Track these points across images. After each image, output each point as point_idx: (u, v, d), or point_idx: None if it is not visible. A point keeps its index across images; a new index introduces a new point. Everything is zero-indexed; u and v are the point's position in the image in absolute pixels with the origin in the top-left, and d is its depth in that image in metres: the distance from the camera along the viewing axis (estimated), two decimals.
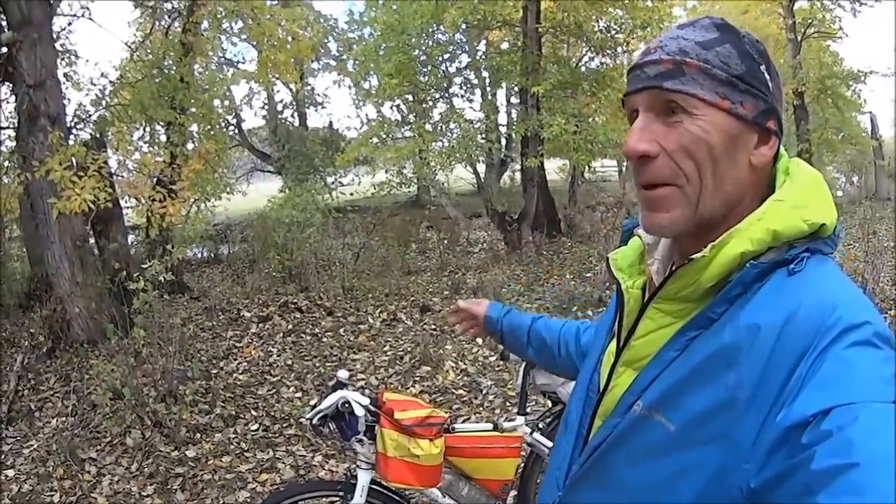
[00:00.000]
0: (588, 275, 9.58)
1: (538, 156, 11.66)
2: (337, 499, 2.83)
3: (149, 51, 10.15)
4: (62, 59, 8.42)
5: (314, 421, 2.69)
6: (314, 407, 2.76)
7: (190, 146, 9.21)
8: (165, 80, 8.72)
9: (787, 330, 0.79)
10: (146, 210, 7.66)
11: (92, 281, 7.48)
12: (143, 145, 9.45)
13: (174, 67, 8.89)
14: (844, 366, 0.74)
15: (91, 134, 8.25)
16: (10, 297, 9.50)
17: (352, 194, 14.25)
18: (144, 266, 6.02)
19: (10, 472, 5.46)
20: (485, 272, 10.79)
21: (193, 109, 9.04)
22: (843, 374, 0.73)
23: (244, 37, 11.96)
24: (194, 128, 9.43)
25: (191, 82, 8.85)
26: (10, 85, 7.22)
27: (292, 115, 20.06)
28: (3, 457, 5.62)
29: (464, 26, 12.68)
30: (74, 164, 6.56)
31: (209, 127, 9.71)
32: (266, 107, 19.39)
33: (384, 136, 13.83)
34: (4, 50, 6.88)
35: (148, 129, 9.43)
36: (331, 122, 22.72)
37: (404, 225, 12.66)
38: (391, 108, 14.31)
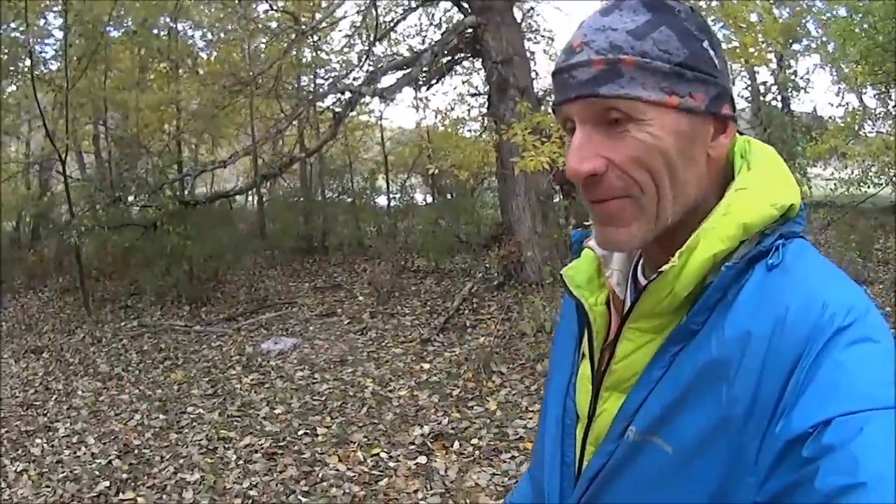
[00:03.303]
0: None
1: None
2: None
3: None
4: (532, 37, 9.89)
5: None
6: None
7: None
8: None
9: (777, 337, 0.78)
10: None
11: (550, 232, 8.59)
12: None
13: None
14: (842, 370, 0.73)
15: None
16: (477, 236, 11.82)
17: (831, 189, 13.21)
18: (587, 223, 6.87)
19: (426, 366, 6.78)
20: None
21: None
22: (841, 379, 0.73)
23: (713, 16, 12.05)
24: None
25: None
26: (480, 59, 8.84)
27: (775, 99, 19.38)
28: (427, 356, 7.35)
29: None
30: (543, 130, 7.61)
31: None
32: (749, 88, 19.19)
33: (856, 127, 12.44)
34: (470, 30, 8.49)
35: None
36: (815, 108, 21.14)
37: (869, 230, 11.29)
38: (873, 96, 13.11)
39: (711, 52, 0.88)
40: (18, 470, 5.31)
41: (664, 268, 0.86)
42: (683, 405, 0.84)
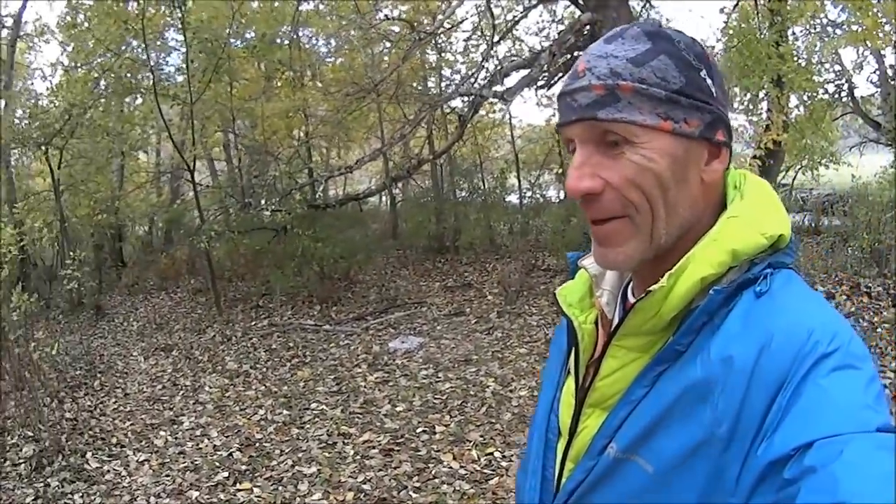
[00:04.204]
0: None
1: None
2: None
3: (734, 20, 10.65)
4: None
5: None
6: None
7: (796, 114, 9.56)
8: (756, 48, 9.04)
9: (762, 362, 0.81)
10: None
11: None
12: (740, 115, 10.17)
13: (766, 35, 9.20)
14: (824, 395, 0.76)
15: None
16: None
17: None
18: None
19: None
20: None
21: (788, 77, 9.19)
22: (823, 403, 0.76)
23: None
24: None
25: (785, 50, 8.97)
26: None
27: None
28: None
29: None
30: None
31: (809, 95, 9.76)
32: (877, 72, 17.84)
33: None
34: (588, 28, 8.42)
35: (747, 96, 9.98)
36: None
37: None
38: None
39: (709, 81, 0.94)
40: (140, 460, 5.63)
41: (652, 287, 0.90)
42: (665, 425, 0.86)
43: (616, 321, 1.03)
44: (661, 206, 0.91)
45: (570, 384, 1.09)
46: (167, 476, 5.27)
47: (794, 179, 14.85)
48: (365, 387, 6.98)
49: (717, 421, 0.81)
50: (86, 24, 11.55)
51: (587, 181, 0.91)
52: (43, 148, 11.72)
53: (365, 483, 4.81)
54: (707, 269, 0.88)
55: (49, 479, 5.26)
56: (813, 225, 14.41)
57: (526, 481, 1.13)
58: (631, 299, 1.04)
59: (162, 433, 6.19)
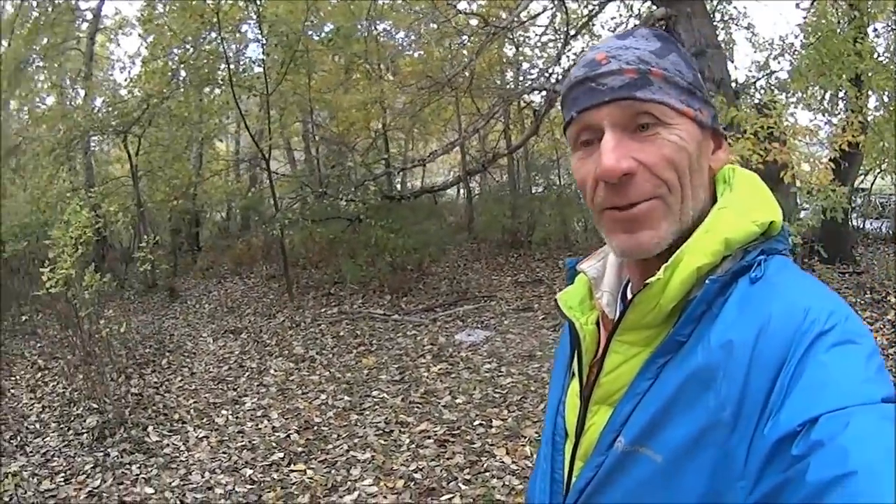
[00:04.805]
0: None
1: None
2: None
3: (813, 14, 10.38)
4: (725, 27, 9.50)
5: None
6: None
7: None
8: (834, 45, 8.78)
9: (761, 344, 0.82)
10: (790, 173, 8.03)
11: None
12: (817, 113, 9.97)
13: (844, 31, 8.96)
14: (826, 370, 0.77)
15: (761, 99, 9.06)
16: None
17: None
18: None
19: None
20: None
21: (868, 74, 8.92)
22: (825, 379, 0.76)
23: None
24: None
25: (863, 47, 8.67)
26: None
27: None
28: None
29: None
30: (738, 125, 7.31)
31: (889, 95, 9.47)
32: None
33: None
34: (661, 23, 8.26)
35: (827, 95, 9.74)
36: None
37: None
38: None
39: (703, 83, 1.01)
40: (200, 436, 5.78)
41: (650, 280, 0.91)
42: (671, 414, 0.87)
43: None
44: (689, 187, 0.94)
45: (574, 386, 1.10)
46: (224, 453, 5.39)
47: (872, 184, 14.29)
48: (427, 377, 6.98)
49: (721, 405, 0.81)
50: (163, 19, 11.91)
51: (625, 161, 0.92)
52: (121, 135, 12.14)
53: (416, 472, 4.80)
54: (702, 258, 0.90)
55: (109, 450, 5.45)
56: (891, 232, 13.91)
57: (536, 485, 1.14)
58: (630, 297, 1.03)
59: (224, 412, 6.34)
